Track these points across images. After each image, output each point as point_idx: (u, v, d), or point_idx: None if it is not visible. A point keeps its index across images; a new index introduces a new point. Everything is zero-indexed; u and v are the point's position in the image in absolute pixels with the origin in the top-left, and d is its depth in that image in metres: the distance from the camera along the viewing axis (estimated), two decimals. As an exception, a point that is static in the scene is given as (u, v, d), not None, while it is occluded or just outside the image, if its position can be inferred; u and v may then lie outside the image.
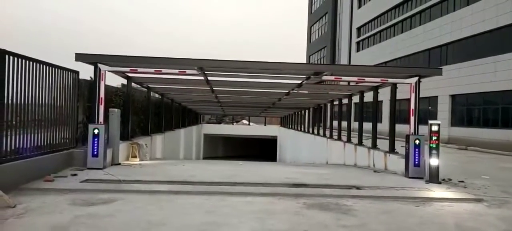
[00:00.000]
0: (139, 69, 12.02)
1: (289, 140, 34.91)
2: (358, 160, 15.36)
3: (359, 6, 47.32)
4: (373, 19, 43.37)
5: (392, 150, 12.73)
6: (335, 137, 20.12)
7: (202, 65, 11.61)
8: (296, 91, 17.70)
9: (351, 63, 44.74)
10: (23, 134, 8.05)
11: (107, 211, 6.26)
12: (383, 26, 40.99)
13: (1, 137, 7.21)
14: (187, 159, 25.27)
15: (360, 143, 15.97)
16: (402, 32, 36.85)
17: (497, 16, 23.90)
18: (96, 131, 10.28)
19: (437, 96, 28.91)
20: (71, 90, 10.29)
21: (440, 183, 9.62)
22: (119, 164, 11.59)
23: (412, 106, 11.23)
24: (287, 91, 17.94)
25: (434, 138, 9.76)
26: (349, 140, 17.66)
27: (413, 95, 11.36)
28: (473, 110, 26.57)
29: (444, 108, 28.41)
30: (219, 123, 50.31)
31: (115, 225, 5.61)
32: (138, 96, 16.53)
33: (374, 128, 14.80)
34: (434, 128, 9.79)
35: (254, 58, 56.29)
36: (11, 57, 7.44)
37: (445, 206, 7.43)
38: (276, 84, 16.24)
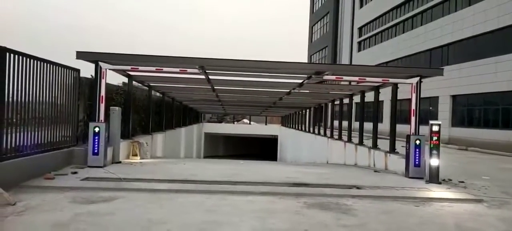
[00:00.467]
0: (140, 68, 12.04)
1: (290, 140, 34.92)
2: (358, 160, 15.36)
3: (361, 6, 47.31)
4: (375, 19, 43.35)
5: (392, 150, 12.73)
6: (336, 137, 20.11)
7: (203, 64, 11.61)
8: (297, 91, 17.71)
9: (353, 63, 44.71)
10: (23, 132, 8.05)
11: (108, 209, 6.27)
12: (384, 26, 40.97)
13: (2, 134, 7.21)
14: (188, 158, 25.29)
15: (360, 142, 15.97)
16: (403, 32, 36.84)
17: (498, 17, 23.87)
18: (96, 129, 10.29)
19: (438, 97, 28.89)
20: (71, 88, 10.29)
21: (440, 183, 9.61)
22: (120, 162, 11.60)
23: (413, 106, 11.22)
24: (288, 90, 17.95)
25: (435, 138, 9.75)
26: (349, 140, 17.66)
27: (414, 95, 11.35)
28: (474, 110, 26.56)
29: (444, 109, 28.39)
30: (220, 122, 50.32)
31: (116, 223, 5.62)
32: (139, 94, 16.54)
33: (375, 127, 14.80)
34: (435, 128, 9.79)
35: (255, 56, 56.33)
36: (11, 55, 7.44)
37: (445, 206, 7.43)
38: (277, 83, 16.24)
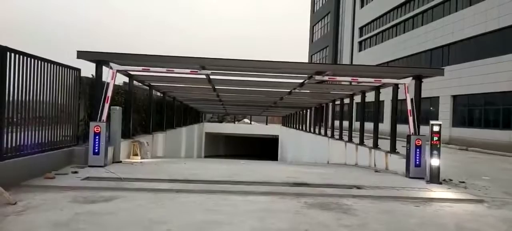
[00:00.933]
0: (152, 69, 12.07)
1: (291, 140, 34.93)
2: (359, 160, 15.36)
3: (362, 6, 47.28)
4: (376, 19, 43.32)
5: (393, 150, 12.73)
6: (337, 137, 20.11)
7: (204, 64, 11.62)
8: (298, 91, 17.71)
9: (353, 63, 44.69)
10: (24, 131, 8.05)
11: (108, 209, 6.27)
12: (385, 26, 40.95)
13: (2, 134, 7.22)
14: (189, 158, 25.28)
15: (361, 142, 15.97)
16: (404, 32, 36.81)
17: (499, 17, 23.85)
18: (97, 129, 10.29)
19: (438, 97, 28.87)
20: (72, 87, 10.30)
21: (441, 183, 9.61)
22: (120, 162, 11.60)
23: (409, 106, 11.26)
24: (289, 90, 17.95)
25: (435, 138, 9.75)
26: (350, 140, 17.66)
27: (407, 96, 11.39)
28: (475, 111, 26.53)
29: (445, 109, 28.37)
30: (221, 122, 50.35)
31: (116, 223, 5.61)
32: (139, 94, 16.55)
33: (376, 127, 14.81)
34: (435, 128, 9.78)
35: (256, 56, 56.36)
36: (12, 54, 7.44)
37: (446, 207, 7.42)
38: (278, 83, 16.24)
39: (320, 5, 61.50)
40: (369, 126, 16.80)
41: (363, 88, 16.14)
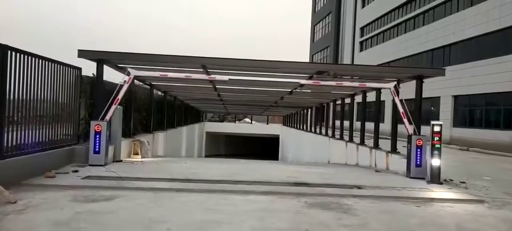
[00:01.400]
0: (169, 75, 12.29)
1: (291, 139, 34.91)
2: (360, 160, 15.35)
3: (363, 6, 47.25)
4: (377, 19, 43.28)
5: (394, 150, 12.71)
6: (337, 136, 20.10)
7: (205, 63, 11.62)
8: (298, 90, 17.70)
9: (355, 63, 44.65)
10: (24, 130, 8.06)
11: (108, 208, 6.27)
12: (386, 26, 40.92)
13: (3, 132, 7.22)
14: (189, 157, 25.27)
15: (362, 142, 15.96)
16: (405, 32, 36.78)
17: (500, 18, 23.82)
18: (98, 128, 10.29)
19: (439, 97, 28.85)
20: (73, 86, 10.30)
21: (441, 183, 9.60)
22: (121, 161, 11.61)
23: (400, 109, 11.40)
24: (289, 90, 17.94)
25: (436, 138, 9.74)
26: (351, 140, 17.65)
27: (396, 99, 11.56)
28: (475, 111, 26.50)
29: (446, 109, 28.35)
30: (222, 121, 50.34)
31: (116, 222, 5.61)
32: (140, 93, 16.54)
33: (376, 127, 14.80)
34: (436, 128, 9.78)
35: (257, 56, 56.29)
36: (13, 53, 7.45)
37: (446, 207, 7.41)
38: (278, 83, 16.22)
39: (321, 5, 61.47)
40: (370, 125, 16.78)
41: (364, 88, 16.14)
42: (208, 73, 12.91)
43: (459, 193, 8.69)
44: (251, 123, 51.30)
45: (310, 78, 13.53)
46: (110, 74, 12.47)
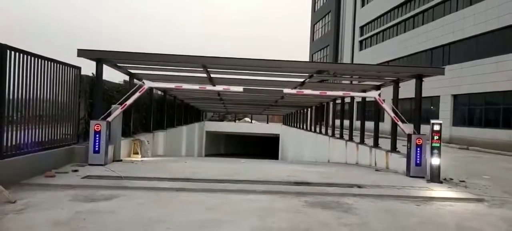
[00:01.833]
0: (184, 86, 12.54)
1: (291, 138, 34.92)
2: (359, 159, 15.35)
3: (363, 5, 47.24)
4: (376, 18, 43.27)
5: (393, 149, 12.72)
6: (337, 136, 20.10)
7: (205, 63, 11.61)
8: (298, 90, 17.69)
9: (354, 62, 44.63)
10: (24, 129, 8.05)
11: (108, 208, 6.27)
12: (386, 25, 40.91)
13: (2, 132, 7.21)
14: (189, 156, 25.26)
15: (362, 141, 15.96)
16: (405, 32, 36.77)
17: (499, 17, 23.81)
18: (97, 127, 10.29)
19: (439, 96, 28.85)
20: (72, 86, 10.29)
21: (441, 182, 9.60)
22: (121, 160, 11.60)
23: (391, 114, 11.70)
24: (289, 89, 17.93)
25: (436, 137, 9.74)
26: (351, 139, 17.65)
27: (385, 106, 11.82)
28: (475, 110, 26.51)
29: (446, 108, 28.35)
30: (222, 120, 50.36)
31: (116, 221, 5.61)
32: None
33: (376, 126, 14.80)
34: (436, 128, 9.78)
35: (257, 55, 56.28)
36: (12, 52, 7.44)
37: (446, 206, 7.41)
38: (278, 82, 16.22)
39: (321, 4, 61.47)
40: (369, 125, 16.78)
41: (363, 87, 16.14)
42: (212, 81, 13.06)
43: (459, 192, 8.70)
44: (251, 122, 51.30)
45: (310, 77, 13.53)
46: (110, 73, 12.52)
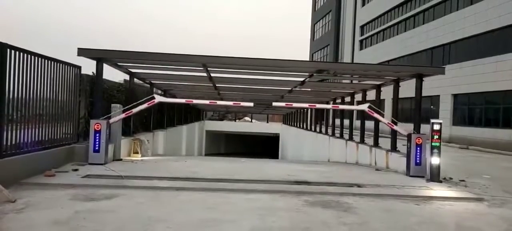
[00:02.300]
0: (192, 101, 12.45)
1: (291, 138, 34.90)
2: (359, 158, 15.35)
3: (363, 4, 47.20)
4: (377, 18, 43.23)
5: (393, 148, 12.71)
6: (337, 135, 20.09)
7: (205, 62, 11.61)
8: (298, 89, 17.69)
9: (355, 62, 44.61)
10: (24, 129, 8.04)
11: (108, 207, 6.27)
12: (386, 25, 40.87)
13: (2, 131, 7.21)
14: (189, 155, 25.24)
15: (362, 141, 15.96)
16: (405, 31, 36.74)
17: (499, 16, 23.79)
18: (97, 127, 10.29)
19: (439, 95, 28.83)
20: (73, 85, 10.29)
21: (441, 182, 9.60)
22: (121, 159, 11.60)
23: (385, 121, 11.96)
24: (289, 88, 17.93)
25: (436, 136, 9.74)
26: (351, 138, 17.65)
27: (378, 116, 12.08)
28: (475, 109, 26.48)
29: (446, 108, 28.34)
30: (222, 120, 50.34)
31: (116, 220, 5.61)
32: (140, 92, 16.52)
33: (376, 126, 14.79)
34: (436, 127, 9.78)
35: (257, 54, 56.11)
36: (12, 51, 7.43)
37: (446, 205, 7.41)
38: (279, 81, 16.22)
39: (321, 3, 61.41)
40: (369, 124, 16.77)
41: (364, 86, 16.14)
42: (212, 80, 13.08)
43: (459, 191, 8.70)
44: (251, 121, 51.29)
45: (310, 76, 13.53)
46: (110, 73, 12.52)
